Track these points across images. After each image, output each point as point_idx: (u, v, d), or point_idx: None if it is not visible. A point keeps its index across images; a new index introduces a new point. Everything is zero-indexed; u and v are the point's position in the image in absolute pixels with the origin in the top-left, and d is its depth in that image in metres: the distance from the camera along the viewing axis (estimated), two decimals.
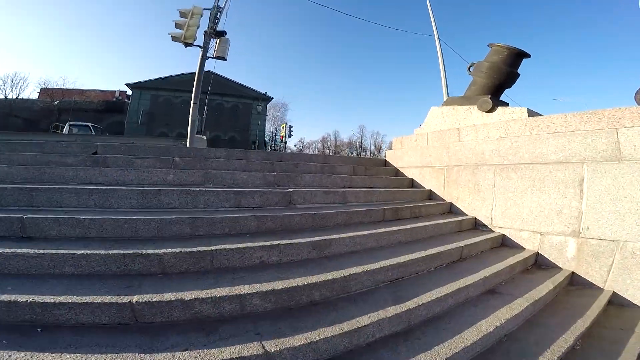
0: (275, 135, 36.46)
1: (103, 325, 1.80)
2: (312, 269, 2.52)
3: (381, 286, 2.63)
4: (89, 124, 14.51)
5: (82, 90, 30.57)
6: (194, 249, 2.36)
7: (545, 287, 3.05)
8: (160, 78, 26.66)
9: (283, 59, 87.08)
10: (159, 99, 26.81)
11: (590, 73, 76.04)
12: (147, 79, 26.89)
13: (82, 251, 2.20)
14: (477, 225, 4.55)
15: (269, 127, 40.01)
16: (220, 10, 7.19)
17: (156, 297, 1.88)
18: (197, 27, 6.81)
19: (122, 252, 2.19)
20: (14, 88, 31.24)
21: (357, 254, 2.94)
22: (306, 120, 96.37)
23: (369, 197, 4.24)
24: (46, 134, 14.10)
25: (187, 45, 6.79)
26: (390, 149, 6.55)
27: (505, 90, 5.49)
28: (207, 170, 3.77)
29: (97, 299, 1.82)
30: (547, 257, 3.80)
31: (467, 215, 4.66)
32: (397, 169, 5.98)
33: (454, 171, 4.90)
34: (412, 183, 5.55)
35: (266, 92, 31.21)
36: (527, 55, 5.28)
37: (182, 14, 6.72)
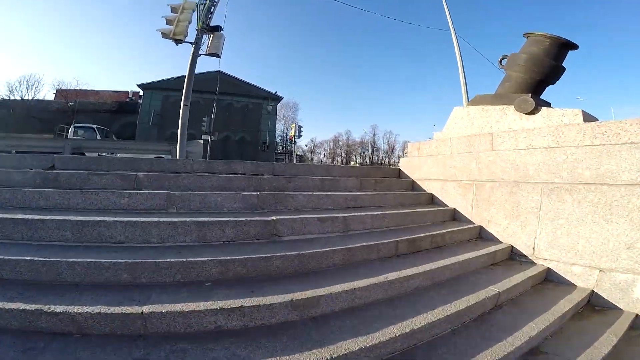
0: (286, 135, 35.85)
1: None
2: (289, 340, 1.78)
3: None
4: (94, 126, 14.16)
5: (96, 91, 30.86)
6: (118, 310, 1.74)
7: (606, 342, 2.30)
8: (171, 78, 26.35)
9: (297, 58, 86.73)
10: (170, 99, 26.56)
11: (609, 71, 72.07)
12: (159, 79, 26.68)
13: None
14: (513, 255, 3.65)
15: (280, 127, 39.60)
16: (215, 3, 6.46)
17: None
18: (189, 23, 6.14)
19: (22, 307, 1.71)
20: (29, 89, 31.93)
21: (357, 313, 2.14)
22: (318, 120, 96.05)
23: (378, 222, 3.37)
24: (47, 137, 13.89)
25: (177, 42, 6.11)
26: (405, 153, 5.64)
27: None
28: (173, 191, 3.02)
29: None
30: (605, 297, 2.96)
31: (501, 242, 3.76)
32: (414, 181, 5.07)
33: (485, 188, 3.96)
34: (432, 199, 4.64)
35: (276, 92, 30.63)
36: (575, 46, 4.30)
37: (173, 9, 6.06)
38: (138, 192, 2.93)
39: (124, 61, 71.75)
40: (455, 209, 4.30)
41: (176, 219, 2.54)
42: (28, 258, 2.06)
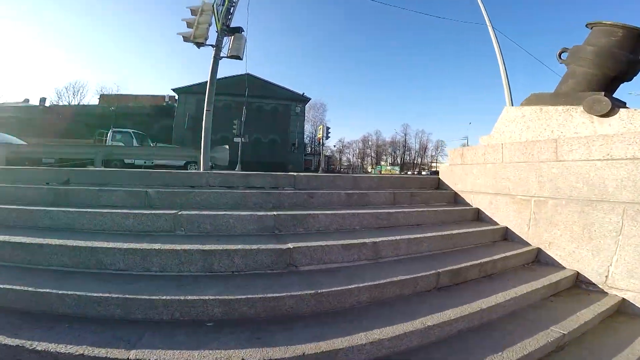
0: (314, 136, 35.71)
1: None
2: None
3: None
4: (131, 131, 14.65)
5: (135, 96, 32.53)
6: (103, 353, 1.54)
7: None
8: (204, 82, 27.12)
9: (324, 58, 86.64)
10: (203, 103, 27.32)
11: None
12: (192, 83, 27.41)
13: None
14: (579, 283, 3.04)
15: (308, 128, 39.63)
16: (234, 4, 6.22)
17: None
18: (209, 25, 5.95)
19: (4, 341, 1.59)
20: (75, 95, 34.47)
21: None
22: (347, 120, 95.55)
23: (414, 247, 2.87)
24: (86, 142, 14.61)
25: (198, 45, 5.95)
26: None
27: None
28: (182, 211, 2.72)
29: None
30: None
31: (564, 268, 3.13)
32: (456, 193, 4.46)
33: (547, 205, 3.30)
34: (478, 215, 4.01)
35: (304, 93, 30.55)
36: None
37: (193, 12, 5.90)
38: (144, 213, 2.66)
39: (160, 65, 75.60)
40: (507, 227, 3.66)
41: (179, 247, 2.23)
42: (18, 288, 1.90)
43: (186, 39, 5.90)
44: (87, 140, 16.08)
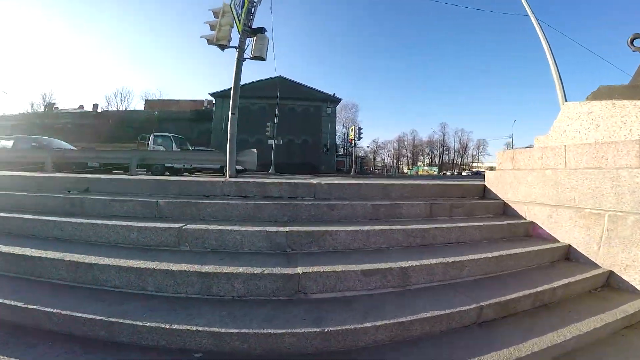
0: (347, 137, 35.37)
1: None
2: None
3: None
4: (170, 135, 15.22)
5: (177, 101, 34.25)
6: None
7: None
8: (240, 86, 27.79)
9: (361, 59, 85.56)
10: (239, 106, 27.99)
11: None
12: (228, 87, 28.26)
13: None
14: None
15: (340, 129, 39.33)
16: (254, 4, 6.03)
17: None
18: (231, 27, 5.81)
19: None
20: (122, 101, 37.12)
21: None
22: (381, 120, 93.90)
23: (453, 272, 2.39)
24: (125, 146, 15.37)
25: (222, 47, 5.83)
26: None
27: None
28: (186, 226, 2.50)
29: None
30: None
31: None
32: (505, 204, 3.83)
33: (627, 221, 2.64)
34: (533, 230, 3.37)
35: (334, 94, 30.21)
36: None
37: (215, 14, 5.79)
38: (148, 227, 2.49)
39: (200, 70, 79.19)
40: (569, 245, 3.02)
41: (175, 268, 2.03)
42: (8, 302, 1.89)
43: (210, 41, 5.82)
44: (128, 145, 17.05)
